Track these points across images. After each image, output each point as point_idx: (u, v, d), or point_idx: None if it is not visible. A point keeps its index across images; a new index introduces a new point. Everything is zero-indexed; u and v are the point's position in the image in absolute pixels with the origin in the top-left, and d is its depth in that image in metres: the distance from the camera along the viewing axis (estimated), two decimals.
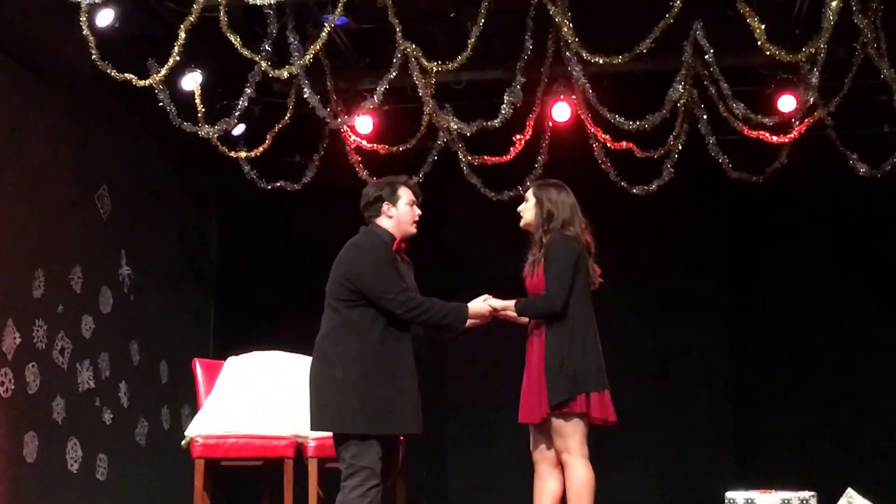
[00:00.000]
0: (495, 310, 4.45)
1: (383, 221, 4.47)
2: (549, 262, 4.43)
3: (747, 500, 5.11)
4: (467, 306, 4.39)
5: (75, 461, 6.23)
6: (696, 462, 7.20)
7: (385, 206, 4.47)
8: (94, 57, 5.89)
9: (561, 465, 4.42)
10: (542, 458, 4.49)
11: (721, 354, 7.40)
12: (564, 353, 4.33)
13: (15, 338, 5.81)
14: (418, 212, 4.54)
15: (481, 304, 4.44)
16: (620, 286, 7.62)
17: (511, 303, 4.46)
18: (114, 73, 5.95)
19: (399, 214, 4.46)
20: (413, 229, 4.51)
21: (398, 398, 4.22)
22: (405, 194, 4.50)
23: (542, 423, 4.40)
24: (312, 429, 4.35)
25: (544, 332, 4.40)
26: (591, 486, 4.35)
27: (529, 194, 4.65)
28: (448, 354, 7.36)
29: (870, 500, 5.08)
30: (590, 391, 4.35)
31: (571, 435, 4.34)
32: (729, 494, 5.17)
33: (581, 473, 4.33)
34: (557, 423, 4.35)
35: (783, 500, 5.04)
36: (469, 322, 4.44)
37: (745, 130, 6.39)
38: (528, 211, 4.61)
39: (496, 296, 4.55)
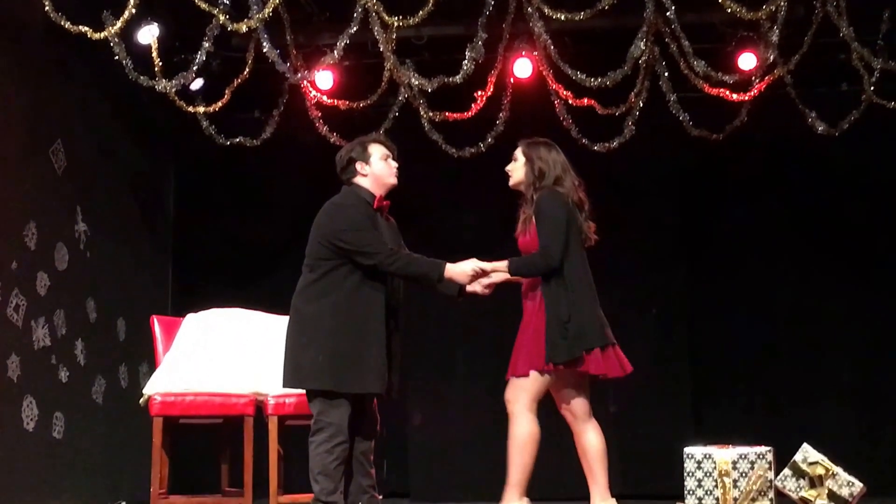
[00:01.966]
0: (483, 271, 4.38)
1: (360, 181, 4.48)
2: (541, 218, 4.38)
3: (705, 454, 5.17)
4: (446, 263, 4.38)
5: (31, 419, 6.17)
6: (654, 418, 7.27)
7: (359, 166, 4.49)
8: (46, 8, 5.77)
9: (590, 415, 4.45)
10: (570, 416, 4.48)
11: (679, 311, 7.46)
12: (571, 312, 4.29)
13: None
14: (395, 164, 4.54)
15: (465, 264, 4.38)
16: None
17: (502, 264, 4.40)
18: (68, 25, 5.83)
19: (374, 171, 4.48)
20: (392, 181, 4.52)
21: (362, 357, 4.24)
22: (377, 150, 4.50)
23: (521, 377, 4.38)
24: (284, 385, 4.38)
25: (540, 291, 4.36)
26: (536, 441, 4.36)
27: (518, 153, 4.59)
28: (408, 314, 7.36)
29: (825, 456, 5.16)
30: (593, 347, 4.33)
31: (529, 389, 4.36)
32: (687, 450, 5.23)
33: (527, 427, 4.34)
34: (522, 379, 4.35)
35: (740, 455, 5.11)
36: (469, 288, 4.46)
37: (706, 88, 6.42)
38: (517, 170, 4.57)
39: (467, 255, 4.54)
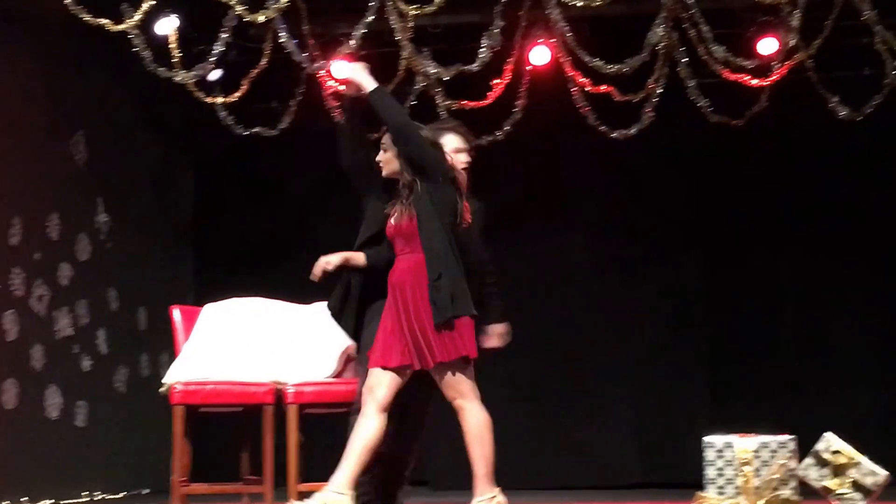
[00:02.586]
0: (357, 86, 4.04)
1: None
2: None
3: (725, 444, 5.14)
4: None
5: (55, 408, 6.24)
6: (672, 408, 7.26)
7: None
8: (66, 1, 5.79)
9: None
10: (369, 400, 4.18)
11: (695, 299, 7.43)
12: (443, 271, 4.03)
13: None
14: (466, 158, 4.31)
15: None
16: (596, 230, 7.66)
17: (371, 85, 4.05)
18: (87, 17, 5.86)
19: None
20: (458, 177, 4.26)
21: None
22: (450, 141, 4.28)
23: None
24: None
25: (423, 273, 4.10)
26: (491, 428, 4.11)
27: (389, 141, 4.23)
28: None
29: (848, 444, 5.12)
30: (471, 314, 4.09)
31: (465, 378, 4.09)
32: (707, 439, 5.19)
33: (480, 417, 4.10)
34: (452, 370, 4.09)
35: (761, 444, 5.07)
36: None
37: (725, 74, 6.36)
38: (391, 160, 4.21)
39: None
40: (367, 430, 4.08)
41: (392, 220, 4.21)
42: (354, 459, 4.07)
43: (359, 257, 4.30)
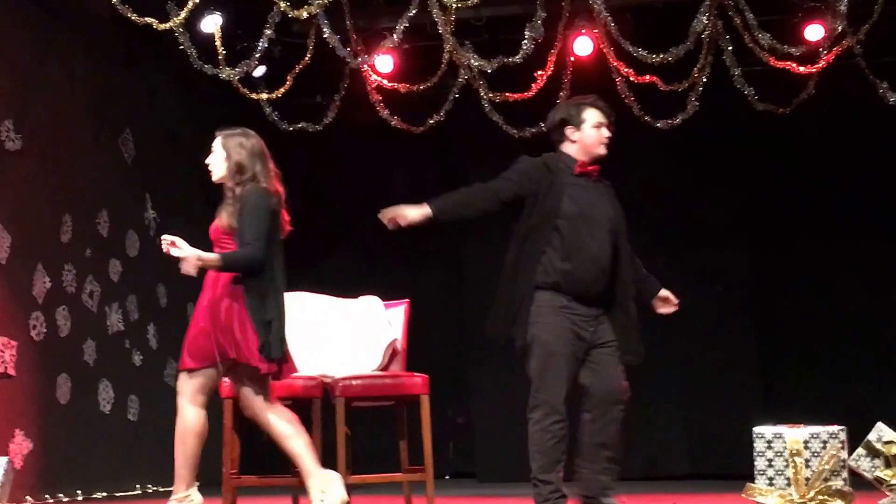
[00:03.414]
0: (199, 259, 4.15)
1: (567, 147, 4.25)
2: (246, 211, 4.18)
3: (775, 434, 5.09)
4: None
5: (107, 402, 6.34)
6: (721, 398, 7.21)
7: (569, 131, 4.24)
8: (113, 1, 5.87)
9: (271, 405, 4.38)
10: (254, 412, 4.40)
11: (744, 287, 7.37)
12: (272, 315, 4.24)
13: (45, 282, 5.89)
14: (607, 133, 4.26)
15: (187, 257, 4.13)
16: (644, 219, 7.60)
17: (213, 257, 4.18)
18: (134, 17, 5.93)
19: (583, 137, 4.22)
20: (601, 151, 4.24)
21: None
22: (592, 115, 4.23)
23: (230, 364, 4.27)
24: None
25: (240, 284, 4.21)
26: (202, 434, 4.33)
27: (217, 145, 4.32)
28: (468, 292, 7.36)
29: None
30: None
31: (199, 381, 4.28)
32: (757, 429, 5.15)
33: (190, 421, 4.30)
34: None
35: (812, 435, 5.02)
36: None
37: (772, 61, 6.28)
38: (217, 165, 4.31)
39: None
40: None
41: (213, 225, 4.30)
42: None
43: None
